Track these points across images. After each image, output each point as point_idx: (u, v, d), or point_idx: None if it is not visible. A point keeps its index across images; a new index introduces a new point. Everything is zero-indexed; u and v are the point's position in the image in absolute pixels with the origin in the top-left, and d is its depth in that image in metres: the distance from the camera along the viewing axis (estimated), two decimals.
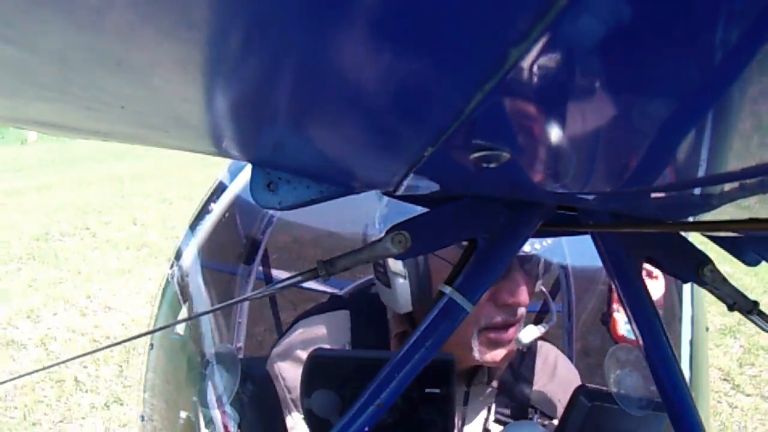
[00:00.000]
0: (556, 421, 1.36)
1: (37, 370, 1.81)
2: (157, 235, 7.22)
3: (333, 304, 1.46)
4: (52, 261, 6.32)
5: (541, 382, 1.42)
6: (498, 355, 1.26)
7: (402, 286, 1.27)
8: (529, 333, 1.28)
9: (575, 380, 1.47)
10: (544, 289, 1.45)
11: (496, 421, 1.37)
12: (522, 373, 1.41)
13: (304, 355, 1.33)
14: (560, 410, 1.37)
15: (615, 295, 1.60)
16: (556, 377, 1.44)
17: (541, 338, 1.49)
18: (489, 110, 0.40)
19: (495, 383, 1.39)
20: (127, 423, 3.59)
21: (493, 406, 1.38)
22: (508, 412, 1.38)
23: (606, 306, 1.60)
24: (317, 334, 1.38)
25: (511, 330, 1.25)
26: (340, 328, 1.38)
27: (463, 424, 1.36)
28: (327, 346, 1.35)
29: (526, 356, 1.42)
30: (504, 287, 1.22)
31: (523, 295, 1.23)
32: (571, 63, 0.33)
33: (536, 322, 1.87)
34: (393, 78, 0.39)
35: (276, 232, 1.89)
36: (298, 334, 1.41)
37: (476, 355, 1.25)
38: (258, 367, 1.38)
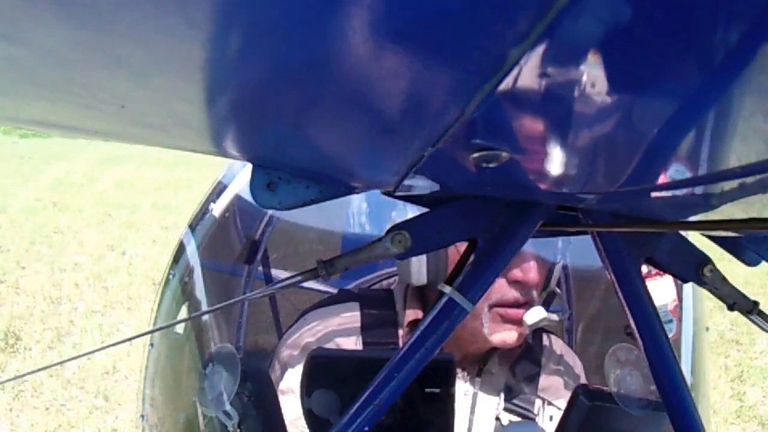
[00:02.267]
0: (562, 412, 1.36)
1: (37, 370, 1.81)
2: None
3: (342, 296, 1.47)
4: None
5: (548, 373, 1.43)
6: (508, 336, 1.26)
7: (418, 256, 1.27)
8: (535, 314, 1.26)
9: (580, 372, 1.48)
10: (558, 290, 1.45)
11: (506, 410, 1.38)
12: (529, 364, 1.42)
13: (311, 343, 1.34)
14: (566, 401, 1.38)
15: None
16: (562, 368, 1.45)
17: (548, 330, 1.49)
18: (489, 110, 0.40)
19: (504, 372, 1.39)
20: None
21: (503, 395, 1.38)
22: (517, 401, 1.38)
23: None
24: (328, 325, 1.38)
25: (522, 309, 1.25)
26: (349, 319, 1.38)
27: (473, 413, 1.36)
28: (338, 338, 1.36)
29: (533, 347, 1.43)
30: (515, 264, 1.23)
31: (533, 272, 1.24)
32: (571, 63, 0.33)
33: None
34: (393, 78, 0.39)
35: (276, 232, 1.89)
36: (308, 325, 1.41)
37: (486, 331, 1.26)
38: (258, 366, 1.38)
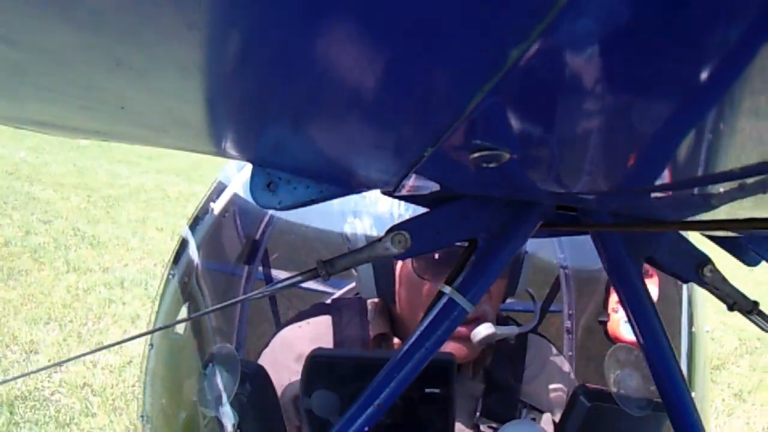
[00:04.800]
0: (546, 415, 1.36)
1: (35, 371, 1.81)
2: None
3: (316, 310, 1.45)
4: None
5: (531, 376, 1.41)
6: (454, 352, 1.20)
7: (365, 270, 1.26)
8: (482, 331, 1.21)
9: (566, 373, 1.46)
10: (530, 290, 1.43)
11: (485, 416, 1.36)
12: (511, 368, 1.39)
13: (285, 361, 1.32)
14: (550, 403, 1.37)
15: (613, 297, 1.59)
16: (546, 370, 1.43)
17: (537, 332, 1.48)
18: (489, 110, 0.40)
19: (482, 378, 1.37)
20: None
21: (481, 400, 1.36)
22: (496, 407, 1.36)
23: (603, 307, 1.59)
24: (299, 341, 1.37)
25: (470, 326, 1.20)
26: (321, 334, 1.37)
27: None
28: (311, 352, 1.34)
29: (515, 350, 1.41)
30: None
31: None
32: (571, 63, 0.33)
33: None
34: (393, 78, 0.39)
35: (276, 232, 1.89)
36: (280, 341, 1.40)
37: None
38: (258, 366, 1.38)
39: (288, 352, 1.35)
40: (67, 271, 5.06)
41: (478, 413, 1.35)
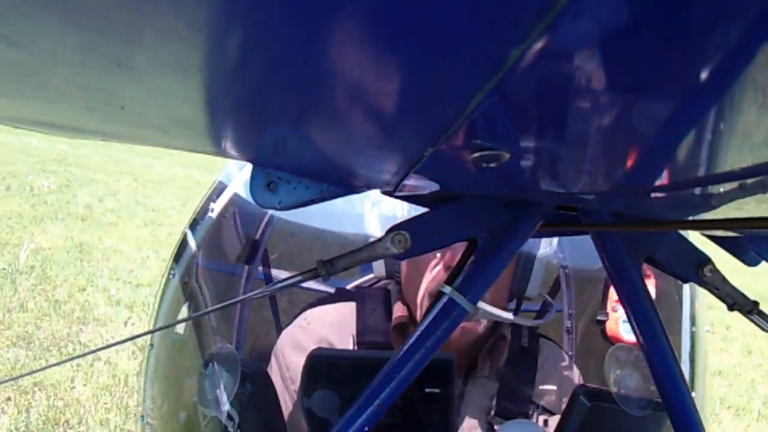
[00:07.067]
0: (557, 417, 1.36)
1: (35, 371, 1.80)
2: None
3: (339, 296, 1.47)
4: None
5: (542, 379, 1.42)
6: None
7: None
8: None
9: (576, 377, 1.47)
10: (546, 296, 1.44)
11: (499, 415, 1.37)
12: (524, 370, 1.41)
13: (306, 343, 1.34)
14: (561, 406, 1.37)
15: (611, 296, 1.60)
16: (557, 374, 1.44)
17: (545, 336, 1.49)
18: (489, 110, 0.40)
19: (496, 377, 1.38)
20: None
21: (495, 401, 1.37)
22: (510, 407, 1.37)
23: (602, 306, 1.59)
24: (323, 324, 1.38)
25: None
26: (345, 319, 1.38)
27: (462, 418, 1.35)
28: (333, 337, 1.36)
29: (527, 353, 1.43)
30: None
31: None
32: (571, 63, 0.33)
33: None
34: (393, 78, 0.39)
35: (276, 232, 1.89)
36: (305, 324, 1.41)
37: (419, 319, 1.26)
38: (258, 366, 1.38)
39: (310, 334, 1.36)
40: (144, 224, 6.72)
41: (492, 412, 1.36)
